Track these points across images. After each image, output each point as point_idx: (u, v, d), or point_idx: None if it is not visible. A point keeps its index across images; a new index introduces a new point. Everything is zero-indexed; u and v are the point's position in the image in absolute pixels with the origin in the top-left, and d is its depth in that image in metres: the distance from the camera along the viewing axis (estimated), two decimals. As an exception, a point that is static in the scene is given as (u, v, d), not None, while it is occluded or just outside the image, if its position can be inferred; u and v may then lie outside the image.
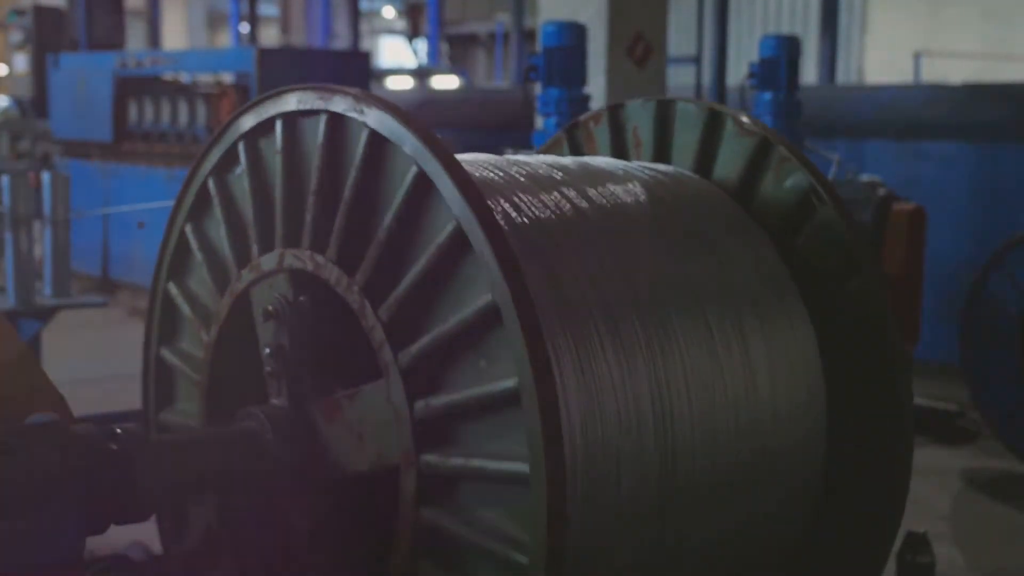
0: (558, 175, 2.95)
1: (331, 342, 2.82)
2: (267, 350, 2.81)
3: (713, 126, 3.27)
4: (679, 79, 10.67)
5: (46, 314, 5.67)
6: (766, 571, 3.04)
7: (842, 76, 19.09)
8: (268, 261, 2.84)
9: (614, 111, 3.50)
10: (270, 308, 2.78)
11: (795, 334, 3.00)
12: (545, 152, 3.62)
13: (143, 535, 3.71)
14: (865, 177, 7.07)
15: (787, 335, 2.98)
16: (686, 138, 3.33)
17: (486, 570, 2.41)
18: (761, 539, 2.98)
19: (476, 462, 2.41)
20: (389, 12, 32.70)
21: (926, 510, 5.33)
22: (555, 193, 2.84)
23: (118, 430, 2.46)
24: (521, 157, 3.09)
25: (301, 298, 2.77)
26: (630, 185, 3.03)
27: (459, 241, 2.42)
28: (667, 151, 3.38)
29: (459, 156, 2.89)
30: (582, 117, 3.59)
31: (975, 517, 5.55)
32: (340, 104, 2.66)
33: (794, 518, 3.02)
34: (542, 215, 2.74)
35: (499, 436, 2.38)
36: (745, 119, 3.22)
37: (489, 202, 2.48)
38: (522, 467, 2.31)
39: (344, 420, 2.67)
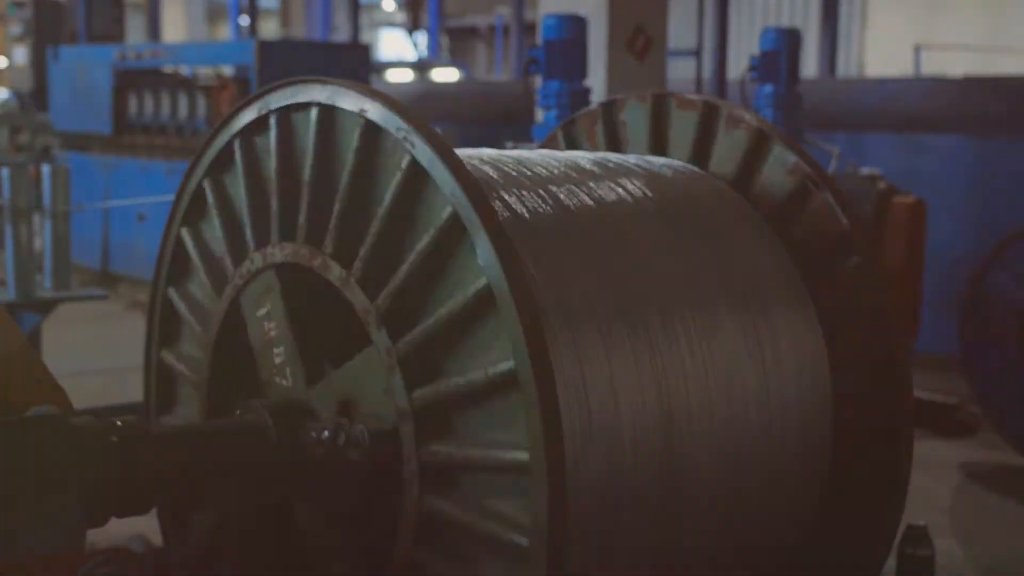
0: (560, 171, 2.95)
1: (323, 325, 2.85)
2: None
3: (755, 148, 3.24)
4: (679, 72, 10.66)
5: (46, 307, 5.67)
6: (767, 563, 3.04)
7: (842, 69, 19.08)
8: (273, 255, 2.85)
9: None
10: None
11: (801, 326, 3.00)
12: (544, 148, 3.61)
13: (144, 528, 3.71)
14: (865, 170, 7.06)
15: (793, 327, 2.98)
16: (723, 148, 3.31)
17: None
18: (764, 531, 2.98)
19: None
20: (389, 5, 32.64)
21: (926, 503, 5.32)
22: (558, 189, 2.84)
23: (118, 422, 2.46)
24: (524, 153, 3.09)
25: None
26: (635, 180, 3.03)
27: (485, 300, 2.41)
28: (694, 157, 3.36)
29: (462, 151, 2.89)
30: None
31: (975, 510, 5.55)
32: (375, 116, 2.63)
33: (799, 511, 3.02)
34: (545, 211, 2.75)
35: (504, 495, 2.40)
36: (791, 156, 3.18)
37: (494, 199, 2.47)
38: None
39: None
